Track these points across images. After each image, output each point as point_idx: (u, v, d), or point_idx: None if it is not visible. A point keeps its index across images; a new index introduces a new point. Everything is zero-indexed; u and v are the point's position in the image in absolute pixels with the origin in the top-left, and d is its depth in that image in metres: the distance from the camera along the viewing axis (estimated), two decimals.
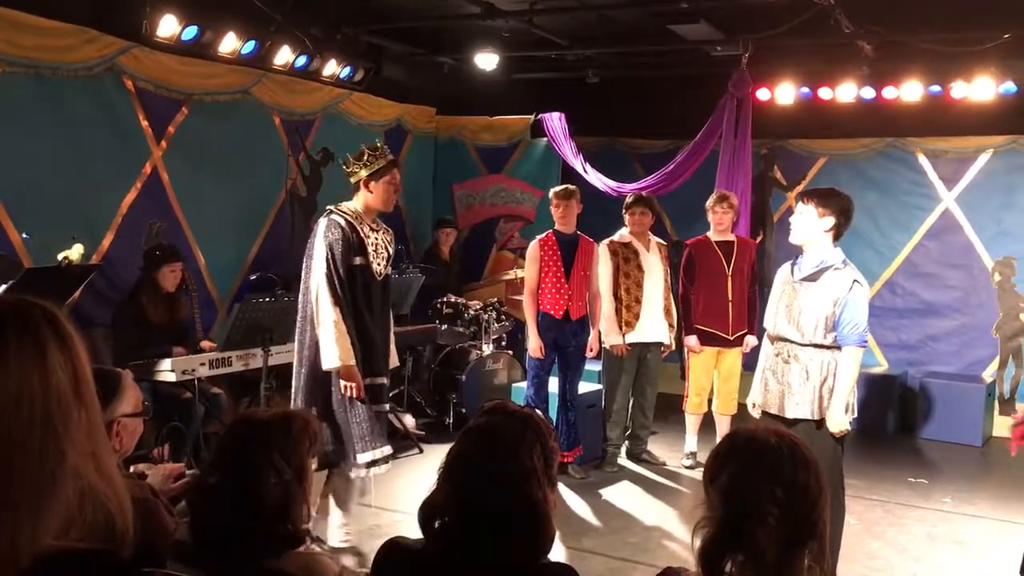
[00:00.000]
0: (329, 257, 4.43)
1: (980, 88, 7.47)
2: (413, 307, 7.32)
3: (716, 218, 6.50)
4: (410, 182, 8.88)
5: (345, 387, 4.39)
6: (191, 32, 6.36)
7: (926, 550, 5.25)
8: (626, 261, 6.53)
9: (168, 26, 6.21)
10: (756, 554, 1.63)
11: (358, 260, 4.53)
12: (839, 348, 4.19)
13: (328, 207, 4.64)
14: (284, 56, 7.11)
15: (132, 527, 1.10)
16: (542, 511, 1.85)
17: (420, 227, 9.00)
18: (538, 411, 2.09)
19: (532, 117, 8.72)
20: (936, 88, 7.65)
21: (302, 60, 7.26)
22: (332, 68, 7.59)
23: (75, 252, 4.81)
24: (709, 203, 6.56)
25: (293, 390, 4.64)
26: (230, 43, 6.65)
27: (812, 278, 4.25)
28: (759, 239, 8.92)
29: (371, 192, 4.59)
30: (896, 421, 8.03)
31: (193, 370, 5.42)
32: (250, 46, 6.78)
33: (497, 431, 1.90)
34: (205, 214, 6.85)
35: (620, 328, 6.47)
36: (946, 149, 8.29)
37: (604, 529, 5.43)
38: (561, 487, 6.14)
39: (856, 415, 4.34)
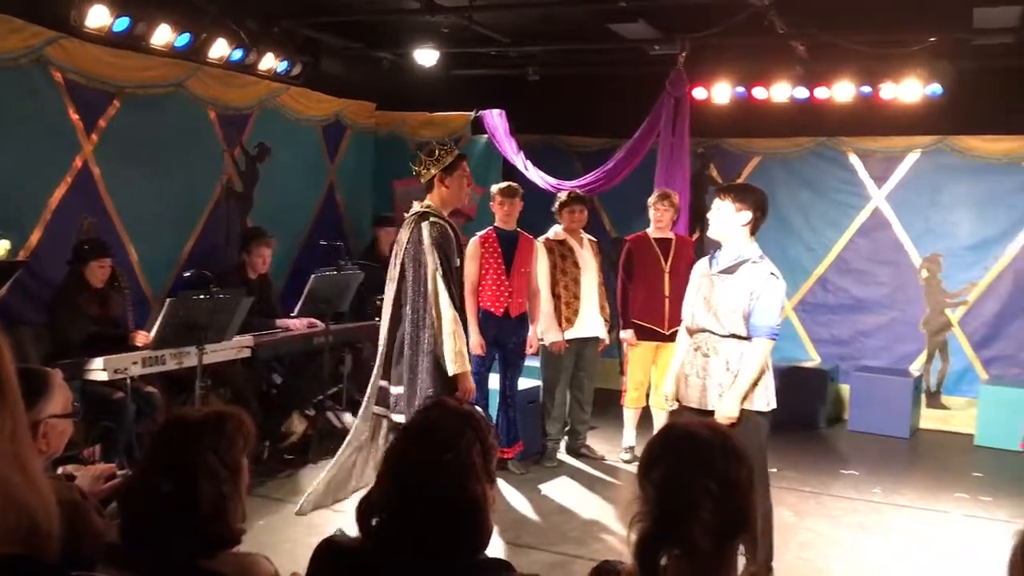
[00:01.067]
0: (442, 259, 4.55)
1: (908, 89, 7.67)
2: (352, 305, 7.26)
3: (657, 215, 6.59)
4: (349, 178, 8.83)
5: (462, 391, 4.60)
6: (122, 23, 6.21)
7: (857, 540, 5.39)
8: (563, 258, 6.59)
9: (98, 17, 6.05)
10: (691, 548, 1.65)
11: (456, 261, 4.71)
12: (748, 340, 4.24)
13: (418, 209, 4.72)
14: (219, 49, 6.98)
15: (58, 530, 1.07)
16: (480, 507, 1.85)
17: (359, 224, 8.92)
18: (478, 408, 2.09)
19: (473, 114, 8.70)
20: (866, 89, 7.84)
21: (238, 54, 7.14)
22: (269, 62, 7.48)
23: (1, 248, 4.67)
24: (651, 200, 6.65)
25: (407, 389, 4.68)
26: (163, 35, 6.51)
27: (729, 271, 4.30)
28: (696, 237, 9.03)
29: (447, 187, 4.74)
30: (828, 414, 8.22)
31: (126, 369, 5.31)
32: (184, 39, 6.65)
33: (436, 428, 1.90)
34: (137, 209, 6.70)
35: (560, 325, 6.52)
36: (876, 149, 8.50)
37: (543, 524, 5.47)
38: (501, 483, 6.16)
39: (775, 406, 4.36)
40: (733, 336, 4.24)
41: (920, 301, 8.36)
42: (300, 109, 8.15)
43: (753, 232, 4.36)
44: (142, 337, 5.64)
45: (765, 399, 4.29)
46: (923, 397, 8.28)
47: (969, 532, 5.57)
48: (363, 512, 1.91)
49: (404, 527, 1.83)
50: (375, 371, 4.99)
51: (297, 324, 6.68)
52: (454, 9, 7.13)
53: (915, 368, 8.34)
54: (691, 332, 4.46)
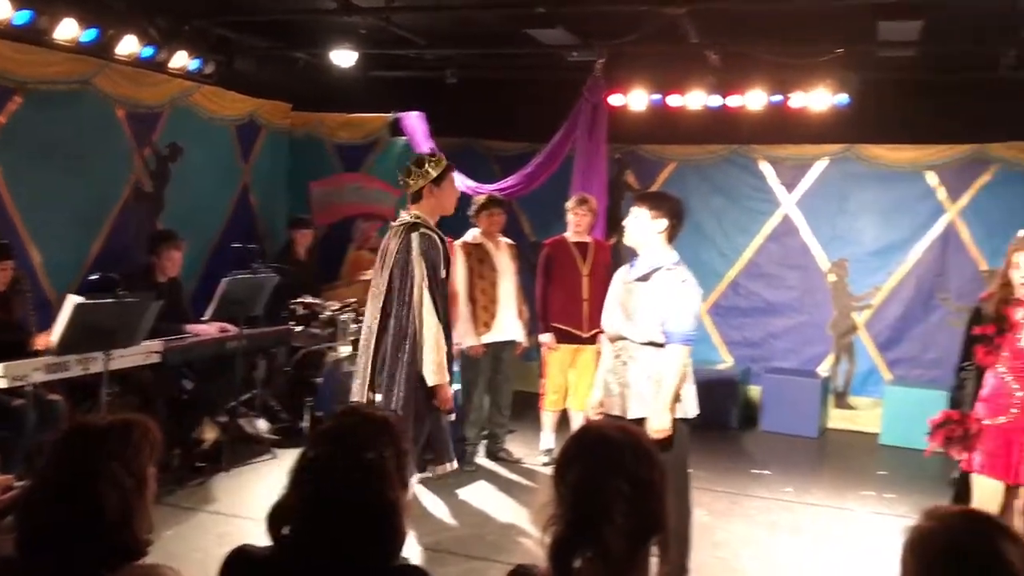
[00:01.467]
0: (429, 270, 4.53)
1: (817, 99, 7.90)
2: (266, 309, 7.12)
3: (576, 219, 6.63)
4: (263, 179, 8.68)
5: (441, 401, 4.61)
6: (24, 16, 5.98)
7: (769, 539, 5.51)
8: (480, 262, 6.59)
9: None
10: (604, 550, 1.66)
11: (444, 273, 4.67)
12: (665, 347, 4.27)
13: (408, 219, 4.68)
14: (129, 46, 6.78)
15: None
16: (395, 512, 1.83)
17: (273, 226, 8.76)
18: (394, 413, 2.07)
19: (391, 115, 8.65)
20: (777, 98, 8.05)
21: (149, 51, 6.94)
22: (181, 60, 7.30)
23: None
24: (569, 205, 6.70)
25: (384, 398, 4.62)
26: (68, 30, 6.29)
27: (645, 278, 4.34)
28: (613, 241, 9.14)
29: (436, 197, 4.70)
30: (740, 415, 8.40)
31: (25, 376, 5.09)
32: (91, 34, 6.44)
33: (350, 433, 1.87)
34: (41, 210, 6.45)
35: (477, 329, 6.52)
36: (786, 156, 8.73)
37: (461, 528, 5.45)
38: (419, 488, 6.11)
39: (698, 411, 4.43)
40: (651, 344, 4.28)
41: (828, 304, 8.62)
42: (213, 108, 7.97)
43: (670, 239, 4.40)
44: (43, 339, 5.41)
45: (689, 407, 4.35)
46: (831, 398, 8.54)
47: (874, 529, 5.75)
48: (275, 519, 1.87)
49: (317, 533, 1.80)
50: (357, 384, 4.83)
51: (208, 329, 6.51)
52: (371, 10, 7.07)
53: (823, 369, 8.59)
54: (611, 340, 4.50)
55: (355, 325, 7.54)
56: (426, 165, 4.73)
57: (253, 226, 8.54)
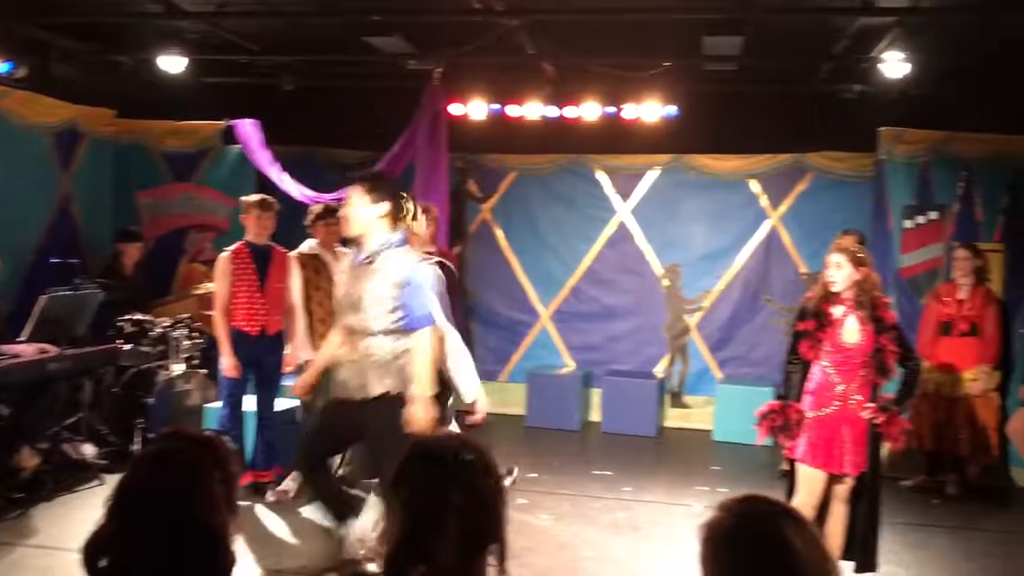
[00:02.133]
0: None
1: (648, 110, 8.21)
2: (91, 327, 6.74)
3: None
4: (86, 189, 8.19)
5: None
6: None
7: (609, 538, 5.65)
8: (316, 273, 6.44)
9: None
10: (436, 563, 1.66)
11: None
12: (409, 332, 4.24)
13: (414, 256, 4.42)
14: None
15: None
16: (221, 540, 1.76)
17: (98, 238, 8.26)
18: (222, 435, 1.99)
19: (224, 123, 8.36)
20: (611, 109, 8.31)
21: None
22: None
23: None
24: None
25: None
26: None
27: (370, 260, 4.30)
28: (457, 251, 9.17)
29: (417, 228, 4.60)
30: (582, 418, 8.60)
31: None
32: None
33: (172, 457, 1.79)
34: None
35: (314, 342, 6.37)
36: (620, 166, 9.03)
37: (304, 548, 5.31)
38: (260, 508, 5.95)
39: (476, 399, 4.70)
40: (382, 332, 4.23)
41: (662, 308, 8.96)
42: (27, 115, 7.47)
43: (393, 222, 4.34)
44: None
45: (466, 392, 4.52)
46: (667, 397, 8.87)
47: None
48: (90, 551, 1.76)
49: (137, 564, 1.71)
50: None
51: (26, 349, 6.09)
52: (200, 15, 6.82)
53: (659, 370, 8.91)
54: (347, 333, 4.41)
55: (189, 342, 7.25)
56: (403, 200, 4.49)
57: (75, 239, 8.05)
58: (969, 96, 7.38)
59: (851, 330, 4.57)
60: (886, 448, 4.73)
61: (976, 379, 6.75)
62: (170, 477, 1.77)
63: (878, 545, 4.74)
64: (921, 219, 7.39)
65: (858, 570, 4.67)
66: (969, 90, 7.36)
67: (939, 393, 6.83)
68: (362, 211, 4.27)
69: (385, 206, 4.27)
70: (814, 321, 4.63)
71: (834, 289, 4.59)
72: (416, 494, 1.72)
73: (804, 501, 4.51)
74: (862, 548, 4.69)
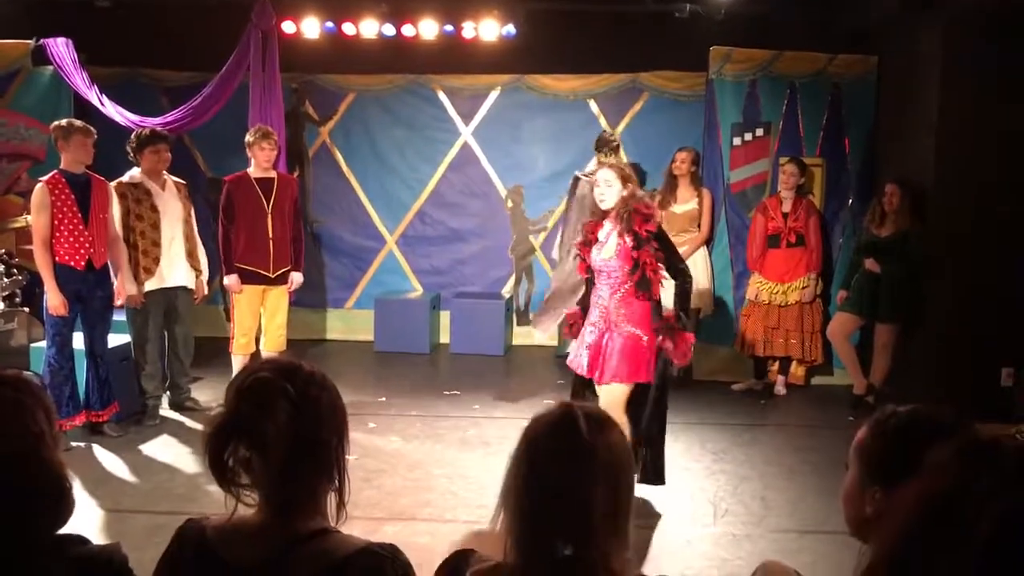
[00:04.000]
0: None
1: (487, 29, 8.11)
2: None
3: (263, 155, 6.33)
4: None
5: None
6: None
7: (459, 454, 5.77)
8: (137, 203, 6.13)
9: None
10: (262, 443, 1.62)
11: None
12: None
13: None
14: None
15: None
16: (61, 474, 1.68)
17: None
18: (29, 372, 1.87)
19: (33, 42, 7.71)
20: (449, 28, 8.16)
21: None
22: None
23: None
24: (251, 139, 6.37)
25: None
26: None
27: None
28: (296, 174, 8.92)
29: None
30: (431, 340, 8.65)
31: None
32: None
33: None
34: None
35: (138, 275, 6.10)
36: (462, 87, 8.93)
37: (145, 485, 5.18)
38: (97, 448, 5.75)
39: None
40: None
41: (507, 229, 9.03)
42: None
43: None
44: None
45: None
46: (514, 317, 9.02)
47: None
48: None
49: None
50: None
51: None
52: None
53: (506, 291, 9.03)
54: None
55: (8, 279, 6.79)
56: None
57: None
58: (795, 16, 7.68)
59: (609, 246, 4.69)
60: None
61: (806, 286, 7.20)
62: None
63: (664, 459, 4.86)
64: (748, 136, 7.70)
65: (644, 481, 4.74)
66: (795, 10, 7.65)
67: (771, 302, 7.24)
68: None
69: None
70: (582, 241, 4.81)
71: (604, 207, 4.68)
72: (250, 383, 1.67)
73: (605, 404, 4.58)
74: (653, 463, 4.78)
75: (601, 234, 4.74)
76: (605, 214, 4.72)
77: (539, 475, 1.57)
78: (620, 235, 4.62)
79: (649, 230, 4.60)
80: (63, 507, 1.71)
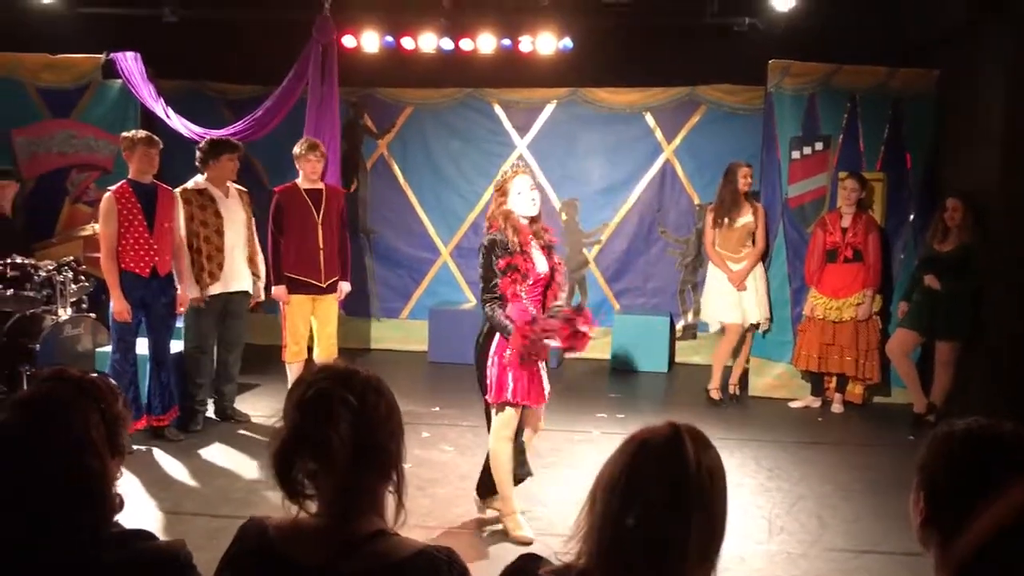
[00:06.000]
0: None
1: (543, 43, 8.16)
2: None
3: (309, 166, 6.45)
4: None
5: None
6: None
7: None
8: (202, 209, 6.26)
9: None
10: (328, 456, 1.66)
11: None
12: None
13: None
14: None
15: None
16: (97, 481, 1.71)
17: None
18: (105, 374, 1.93)
19: (103, 56, 7.97)
20: (507, 42, 8.23)
21: None
22: None
23: None
24: (298, 151, 6.49)
25: None
26: None
27: None
28: (354, 187, 9.05)
29: None
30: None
31: None
32: None
33: (44, 401, 1.73)
34: None
35: (201, 279, 6.22)
36: (518, 100, 8.99)
37: (205, 489, 5.28)
38: (158, 451, 5.86)
39: None
40: None
41: (561, 242, 9.03)
42: None
43: None
44: None
45: None
46: None
47: (609, 446, 6.15)
48: None
49: (11, 510, 1.66)
50: None
51: None
52: None
53: (559, 304, 8.99)
54: None
55: (75, 285, 6.99)
56: None
57: None
58: (855, 29, 7.59)
59: (539, 258, 4.63)
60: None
61: (861, 303, 7.08)
62: (40, 421, 1.71)
63: None
64: (807, 150, 7.61)
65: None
66: (855, 23, 7.56)
67: (826, 317, 7.14)
68: None
69: None
70: (520, 255, 4.50)
71: (535, 214, 4.60)
72: (310, 392, 1.71)
73: (502, 435, 4.57)
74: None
75: (538, 259, 4.63)
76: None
77: (639, 493, 1.57)
78: (540, 248, 4.65)
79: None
80: (104, 509, 1.74)
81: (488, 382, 4.59)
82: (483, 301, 4.56)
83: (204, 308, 6.28)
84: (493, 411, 4.64)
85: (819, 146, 7.60)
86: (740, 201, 7.37)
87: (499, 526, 4.77)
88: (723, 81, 8.56)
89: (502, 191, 4.62)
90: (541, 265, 4.62)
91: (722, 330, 7.53)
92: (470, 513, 4.98)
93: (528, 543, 4.50)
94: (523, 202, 4.56)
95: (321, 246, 6.40)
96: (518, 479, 4.80)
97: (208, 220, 6.26)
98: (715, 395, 7.41)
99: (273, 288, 6.46)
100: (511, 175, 4.64)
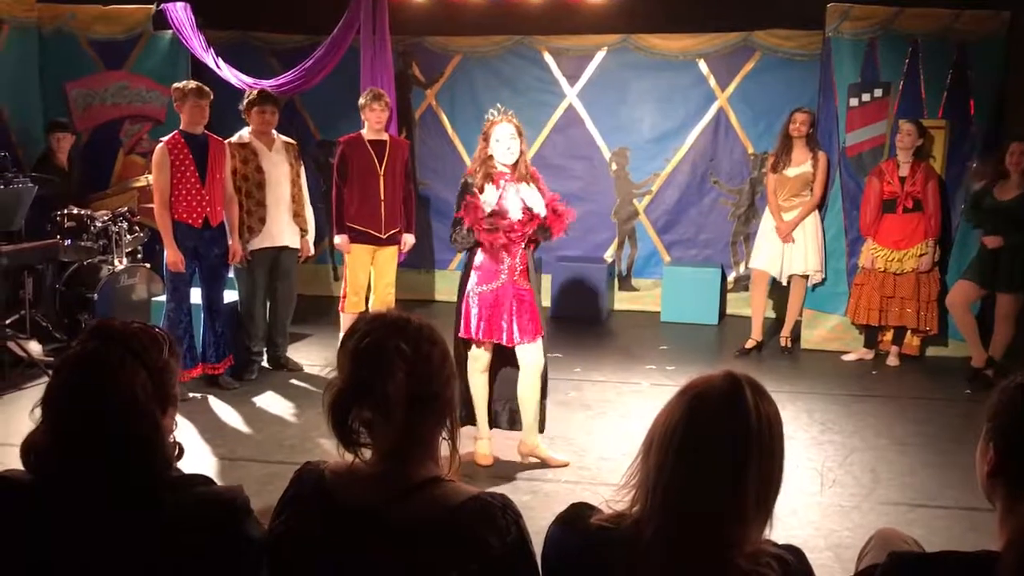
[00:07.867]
0: None
1: None
2: (28, 222, 6.56)
3: (374, 116, 6.37)
4: (10, 80, 7.81)
5: None
6: None
7: (561, 415, 5.76)
8: (244, 163, 6.24)
9: None
10: (384, 404, 1.66)
11: None
12: None
13: None
14: None
15: None
16: (148, 440, 1.72)
17: (29, 131, 7.93)
18: (154, 325, 1.93)
19: (154, 7, 7.99)
20: None
21: None
22: None
23: None
24: (363, 101, 6.42)
25: None
26: None
27: None
28: (403, 137, 9.02)
29: None
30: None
31: None
32: None
33: (92, 358, 1.73)
34: None
35: (241, 234, 6.24)
36: (568, 47, 8.83)
37: (258, 436, 5.37)
38: (212, 399, 5.97)
39: None
40: None
41: (611, 193, 8.94)
42: None
43: None
44: None
45: None
46: (616, 281, 8.96)
47: (659, 398, 6.11)
48: (27, 454, 1.74)
49: (71, 464, 1.69)
50: None
51: None
52: None
53: (608, 255, 8.96)
54: None
55: (130, 236, 7.11)
56: None
57: (4, 133, 7.74)
58: None
59: (514, 204, 4.64)
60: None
61: (924, 253, 6.91)
62: (88, 378, 1.72)
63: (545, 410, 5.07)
64: (866, 96, 7.39)
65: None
66: None
67: (887, 269, 6.99)
68: None
69: None
70: (472, 195, 4.63)
71: (512, 161, 4.67)
72: (364, 342, 1.71)
73: (472, 368, 4.80)
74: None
75: (489, 192, 4.63)
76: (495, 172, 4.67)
77: (697, 441, 1.56)
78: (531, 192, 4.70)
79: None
80: (159, 459, 1.76)
81: (457, 318, 4.80)
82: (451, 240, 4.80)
83: (251, 261, 6.31)
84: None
85: (878, 93, 7.37)
86: (791, 148, 7.20)
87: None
88: (779, 26, 8.30)
89: (485, 136, 4.77)
90: (514, 211, 4.64)
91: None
92: (519, 465, 5.00)
93: (489, 465, 4.89)
94: (500, 149, 4.69)
95: (382, 197, 6.36)
96: (500, 423, 5.09)
97: (249, 174, 6.26)
98: (748, 343, 7.37)
99: (335, 237, 6.48)
100: (494, 122, 4.74)
